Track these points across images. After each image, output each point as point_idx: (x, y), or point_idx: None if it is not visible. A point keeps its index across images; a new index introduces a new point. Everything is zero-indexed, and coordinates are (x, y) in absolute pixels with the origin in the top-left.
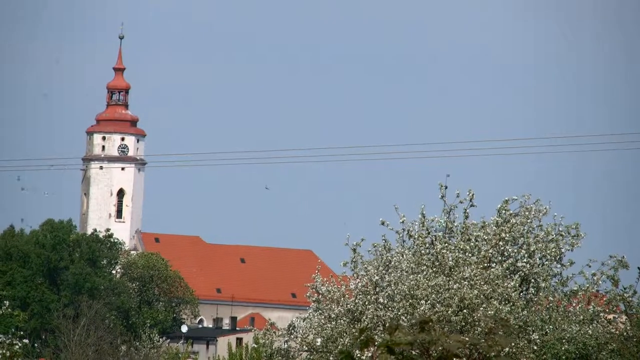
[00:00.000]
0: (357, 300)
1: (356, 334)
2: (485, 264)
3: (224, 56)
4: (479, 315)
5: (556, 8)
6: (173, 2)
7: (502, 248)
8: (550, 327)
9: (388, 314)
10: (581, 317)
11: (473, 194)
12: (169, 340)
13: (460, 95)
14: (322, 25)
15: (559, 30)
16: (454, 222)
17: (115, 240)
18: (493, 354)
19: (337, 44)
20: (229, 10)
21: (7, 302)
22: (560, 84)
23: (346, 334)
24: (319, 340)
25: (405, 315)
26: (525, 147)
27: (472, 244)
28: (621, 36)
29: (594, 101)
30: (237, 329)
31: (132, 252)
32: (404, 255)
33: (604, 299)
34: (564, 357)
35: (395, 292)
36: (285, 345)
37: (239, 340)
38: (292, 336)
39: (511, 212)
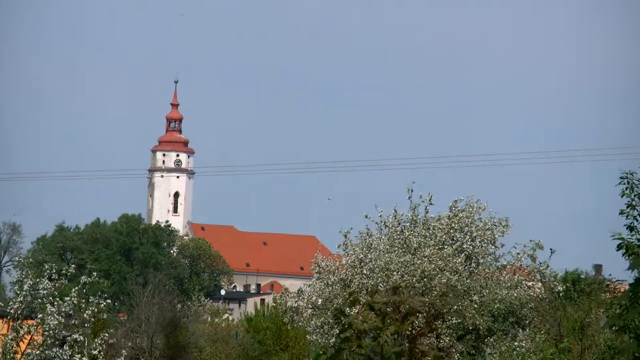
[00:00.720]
0: (347, 272)
1: (346, 296)
2: (440, 246)
3: (251, 94)
4: (435, 282)
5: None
6: (213, 53)
7: (453, 234)
8: (487, 291)
9: (370, 282)
10: (509, 284)
11: (432, 196)
12: (211, 301)
13: (425, 116)
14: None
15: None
16: (417, 215)
17: (173, 229)
18: (445, 310)
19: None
20: (257, 50)
21: (95, 273)
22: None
23: (339, 296)
24: (319, 300)
25: (382, 283)
26: (468, 161)
27: (430, 231)
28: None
29: (530, 117)
30: (261, 292)
31: (185, 237)
32: (381, 240)
33: (525, 271)
34: (496, 313)
35: (375, 266)
36: (296, 304)
37: (262, 300)
38: (301, 298)
39: (459, 208)
